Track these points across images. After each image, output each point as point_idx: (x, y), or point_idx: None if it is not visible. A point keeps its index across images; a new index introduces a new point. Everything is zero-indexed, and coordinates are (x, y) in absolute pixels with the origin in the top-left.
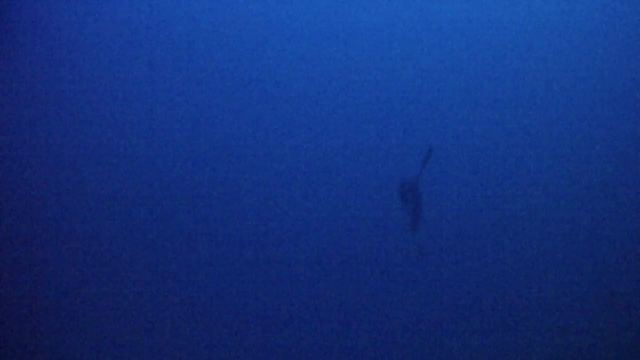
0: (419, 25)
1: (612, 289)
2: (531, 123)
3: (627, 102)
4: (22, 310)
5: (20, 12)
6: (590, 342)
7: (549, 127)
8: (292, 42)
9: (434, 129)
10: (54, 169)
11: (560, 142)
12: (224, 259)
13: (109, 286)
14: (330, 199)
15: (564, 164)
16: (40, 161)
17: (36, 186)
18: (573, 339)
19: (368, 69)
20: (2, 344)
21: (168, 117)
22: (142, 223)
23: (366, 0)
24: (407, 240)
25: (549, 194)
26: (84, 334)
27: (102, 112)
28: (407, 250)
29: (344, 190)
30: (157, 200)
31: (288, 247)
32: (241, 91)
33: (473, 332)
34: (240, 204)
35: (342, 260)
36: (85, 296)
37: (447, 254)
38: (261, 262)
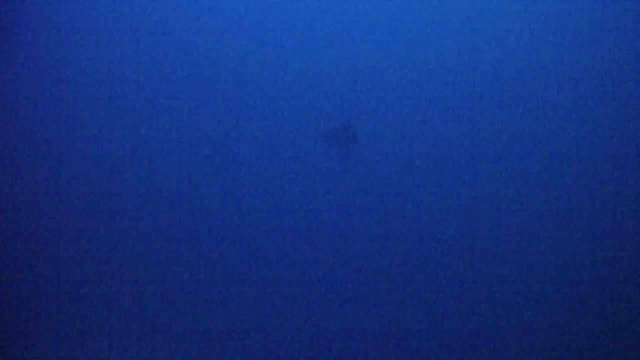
0: (418, 25)
1: (612, 288)
2: (530, 123)
3: (627, 102)
4: (22, 310)
5: (20, 12)
6: (590, 342)
7: (548, 127)
8: (290, 43)
9: (435, 129)
10: (53, 169)
11: (560, 142)
12: (222, 259)
13: (109, 286)
14: (330, 198)
15: (563, 164)
16: (41, 161)
17: (36, 186)
18: (572, 338)
19: (369, 69)
20: (2, 344)
21: (167, 117)
22: (141, 223)
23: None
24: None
25: (548, 192)
26: (83, 333)
27: (102, 112)
28: (405, 251)
29: (343, 190)
30: (156, 200)
31: (286, 247)
32: (240, 92)
33: (472, 332)
34: (239, 204)
35: (340, 260)
36: (85, 296)
37: (447, 254)
38: (260, 261)
